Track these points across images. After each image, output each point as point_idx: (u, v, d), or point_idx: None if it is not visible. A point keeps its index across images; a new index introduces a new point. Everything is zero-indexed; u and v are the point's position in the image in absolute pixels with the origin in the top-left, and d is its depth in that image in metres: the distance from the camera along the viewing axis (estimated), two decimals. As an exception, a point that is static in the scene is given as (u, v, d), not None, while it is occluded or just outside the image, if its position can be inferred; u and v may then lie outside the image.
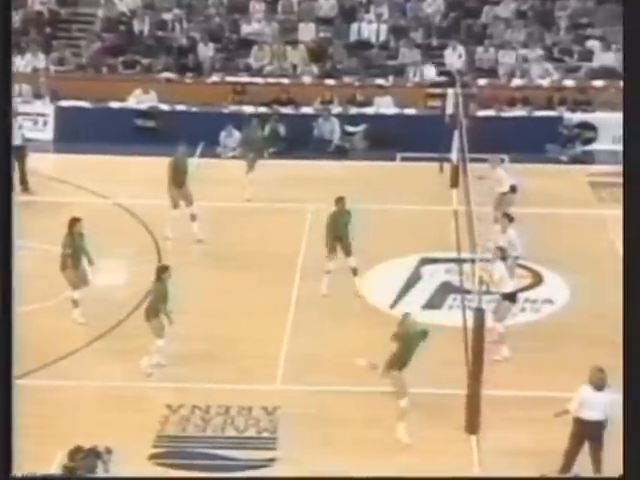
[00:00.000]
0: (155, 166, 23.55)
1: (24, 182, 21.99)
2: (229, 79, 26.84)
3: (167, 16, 28.71)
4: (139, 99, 26.15)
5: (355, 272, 17.84)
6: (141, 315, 15.71)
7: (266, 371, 15.49)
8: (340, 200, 17.89)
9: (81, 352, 15.98)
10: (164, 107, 25.95)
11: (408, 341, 13.64)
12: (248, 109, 25.70)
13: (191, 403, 14.64)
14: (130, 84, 26.42)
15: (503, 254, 15.89)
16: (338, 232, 17.69)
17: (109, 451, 11.55)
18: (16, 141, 20.46)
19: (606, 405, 12.53)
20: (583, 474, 12.84)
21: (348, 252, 17.72)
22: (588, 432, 12.74)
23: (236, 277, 18.51)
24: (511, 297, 15.86)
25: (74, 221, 16.94)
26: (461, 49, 27.52)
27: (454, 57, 27.39)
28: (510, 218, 17.15)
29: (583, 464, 12.84)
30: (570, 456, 12.85)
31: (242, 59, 27.67)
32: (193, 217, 19.78)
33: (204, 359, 15.76)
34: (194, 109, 25.92)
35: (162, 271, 15.46)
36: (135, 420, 14.18)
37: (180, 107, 25.97)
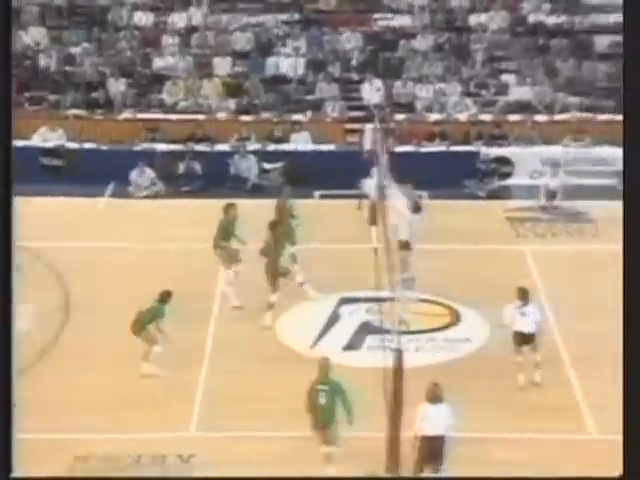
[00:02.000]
0: (62, 207, 23.10)
1: None
2: (141, 116, 26.39)
3: (75, 50, 28.15)
4: (45, 137, 25.51)
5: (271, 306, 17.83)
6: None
7: (180, 418, 15.08)
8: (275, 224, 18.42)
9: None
10: (71, 145, 25.31)
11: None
12: (161, 147, 25.25)
13: (101, 453, 14.15)
14: (37, 121, 25.78)
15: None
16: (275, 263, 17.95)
17: None
18: None
19: (444, 419, 13.05)
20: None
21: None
22: (432, 447, 13.08)
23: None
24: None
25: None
26: (379, 83, 27.38)
27: (372, 91, 27.24)
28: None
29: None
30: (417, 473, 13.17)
31: (155, 95, 27.22)
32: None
33: (115, 406, 15.30)
34: (103, 147, 25.37)
35: (166, 296, 16.42)
36: (41, 473, 13.54)
37: (88, 145, 25.36)
